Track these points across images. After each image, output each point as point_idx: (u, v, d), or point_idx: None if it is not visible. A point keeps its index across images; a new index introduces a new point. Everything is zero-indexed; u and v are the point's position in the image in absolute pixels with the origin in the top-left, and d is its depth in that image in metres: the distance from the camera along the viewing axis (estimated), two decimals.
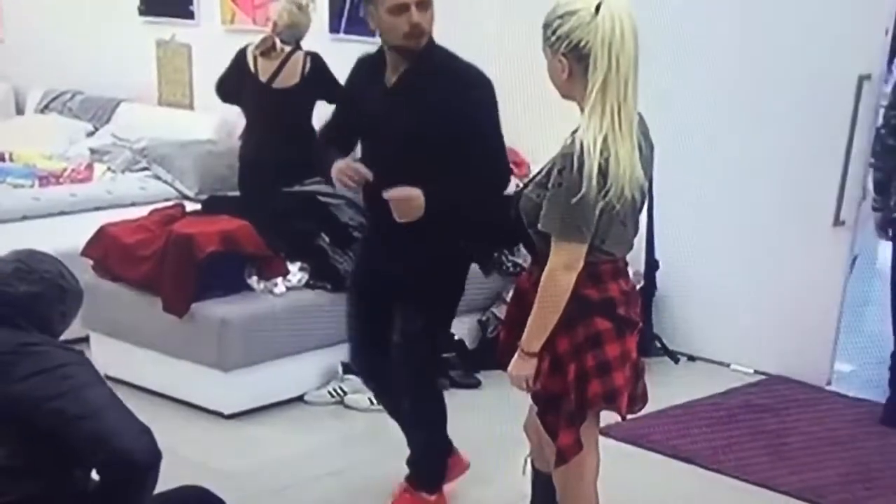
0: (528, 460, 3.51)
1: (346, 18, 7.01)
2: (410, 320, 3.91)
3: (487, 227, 3.74)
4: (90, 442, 2.61)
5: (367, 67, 3.91)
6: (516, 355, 3.14)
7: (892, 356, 5.13)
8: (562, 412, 3.12)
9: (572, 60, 2.96)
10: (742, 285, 5.83)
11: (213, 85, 6.25)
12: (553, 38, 2.98)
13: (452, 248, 3.85)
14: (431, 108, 3.68)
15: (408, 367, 3.98)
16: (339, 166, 3.76)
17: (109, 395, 2.72)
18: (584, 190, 2.89)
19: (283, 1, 6.22)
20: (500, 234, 3.74)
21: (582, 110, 3.01)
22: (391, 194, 3.62)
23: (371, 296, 4.03)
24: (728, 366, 5.91)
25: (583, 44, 2.93)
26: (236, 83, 6.12)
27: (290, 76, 5.96)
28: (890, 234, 5.10)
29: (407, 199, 3.62)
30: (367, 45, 4.11)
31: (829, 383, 5.68)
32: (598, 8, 2.91)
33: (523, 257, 5.78)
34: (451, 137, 3.65)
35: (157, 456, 2.68)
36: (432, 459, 4.19)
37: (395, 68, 3.75)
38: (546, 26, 3.01)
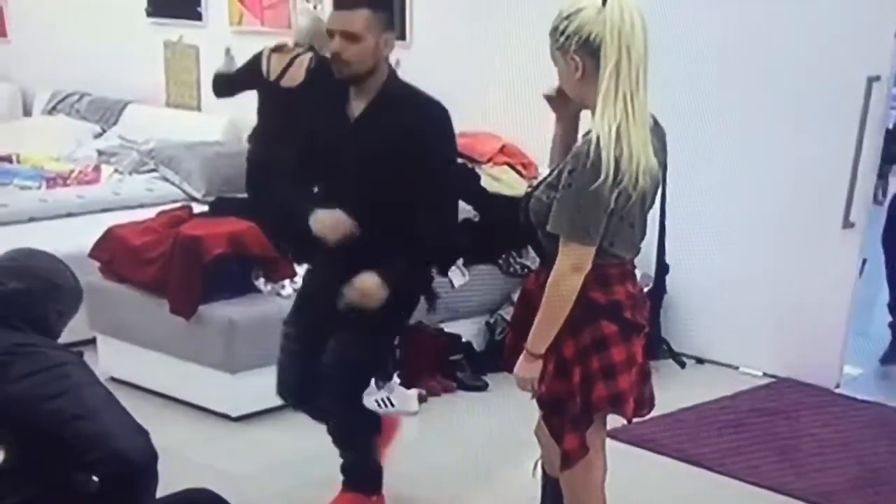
0: (539, 463, 3.49)
1: None
2: (349, 348, 3.83)
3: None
4: (86, 442, 2.60)
5: (328, 97, 3.89)
6: (522, 357, 3.13)
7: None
8: (567, 415, 3.11)
9: (584, 56, 2.96)
10: (751, 287, 5.82)
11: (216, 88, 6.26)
12: (562, 39, 2.98)
13: (406, 278, 3.83)
14: (397, 137, 3.66)
15: (339, 394, 3.92)
16: (326, 221, 3.73)
17: (106, 395, 2.71)
18: (601, 178, 2.88)
19: (304, 6, 6.25)
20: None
21: (593, 112, 3.00)
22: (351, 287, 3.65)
23: (315, 319, 3.94)
24: (737, 368, 5.90)
25: (593, 36, 2.92)
26: (244, 81, 6.11)
27: (296, 76, 5.95)
28: None
29: (362, 288, 3.64)
30: None
31: (837, 386, 5.66)
32: (604, 2, 2.92)
33: (531, 259, 5.78)
34: (407, 164, 3.64)
35: (152, 456, 2.67)
36: (366, 466, 4.14)
37: (357, 97, 3.73)
38: (554, 31, 3.01)
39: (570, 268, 3.00)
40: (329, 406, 3.98)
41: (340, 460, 4.10)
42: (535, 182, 3.36)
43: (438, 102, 3.77)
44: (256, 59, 6.10)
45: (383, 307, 3.75)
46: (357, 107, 3.74)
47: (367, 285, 3.65)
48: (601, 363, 3.07)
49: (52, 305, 2.88)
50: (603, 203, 2.93)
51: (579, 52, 2.96)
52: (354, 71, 3.65)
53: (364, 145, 3.69)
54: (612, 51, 2.91)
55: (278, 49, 6.02)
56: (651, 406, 3.35)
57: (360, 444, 4.09)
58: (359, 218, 3.70)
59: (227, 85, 6.20)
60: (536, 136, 6.01)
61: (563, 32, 2.98)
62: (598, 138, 2.91)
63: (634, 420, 3.26)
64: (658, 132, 3.10)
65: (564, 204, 2.97)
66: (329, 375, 3.87)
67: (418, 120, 3.70)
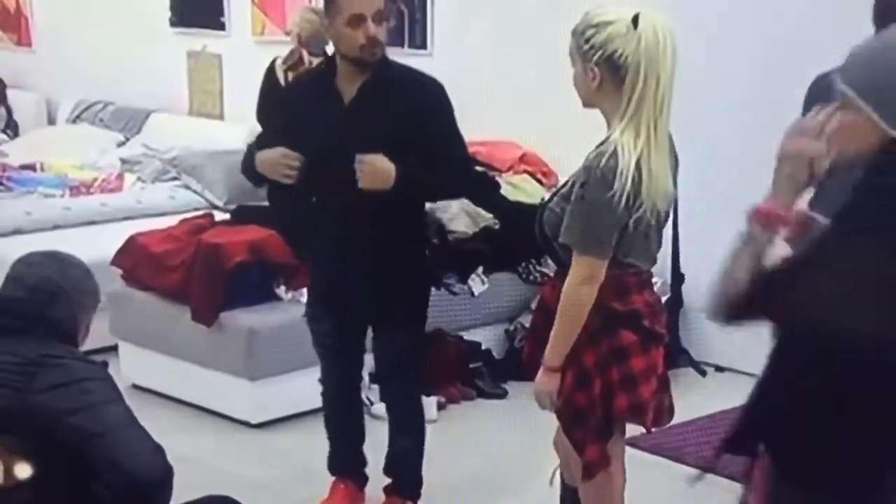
0: (557, 472, 3.49)
1: None
2: (407, 337, 4.02)
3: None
4: (101, 461, 2.62)
5: (307, 88, 3.96)
6: (541, 371, 3.13)
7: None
8: (588, 427, 3.11)
9: (605, 71, 2.96)
10: None
11: (255, 117, 6.25)
12: (586, 47, 2.97)
13: (422, 256, 4.06)
14: (398, 117, 3.71)
15: (411, 382, 4.15)
16: (271, 159, 3.78)
17: (125, 413, 2.71)
18: (613, 189, 2.88)
19: (301, 11, 6.24)
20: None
21: (607, 119, 3.01)
22: (361, 160, 3.64)
23: (347, 314, 4.04)
24: (756, 377, 5.87)
25: (618, 55, 2.92)
26: (270, 101, 6.11)
27: None
28: None
29: (373, 163, 3.65)
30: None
31: None
32: (635, 20, 2.90)
33: (551, 267, 5.77)
34: (418, 142, 3.71)
35: (166, 476, 2.68)
36: (418, 468, 4.23)
37: (351, 81, 3.77)
38: (578, 34, 3.00)
39: (583, 279, 3.00)
40: (400, 391, 4.16)
41: (392, 461, 4.20)
42: (549, 193, 3.38)
43: (430, 76, 3.84)
44: (271, 72, 6.10)
45: (412, 289, 3.94)
46: (347, 90, 3.77)
47: (378, 163, 3.65)
48: (621, 374, 3.07)
49: (77, 313, 2.88)
50: (615, 215, 2.93)
51: (601, 65, 2.96)
52: (384, 51, 3.73)
53: (364, 127, 3.72)
54: (640, 77, 2.91)
55: (293, 68, 6.02)
56: (670, 416, 3.35)
57: (420, 433, 4.19)
58: (361, 199, 3.72)
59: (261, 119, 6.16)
60: (556, 145, 6.05)
61: (587, 40, 2.96)
62: (613, 150, 2.91)
63: (653, 429, 3.27)
64: (670, 146, 3.10)
65: (576, 216, 2.97)
66: (394, 367, 4.05)
67: (422, 100, 3.77)
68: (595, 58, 2.96)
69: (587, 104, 3.08)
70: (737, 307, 2.15)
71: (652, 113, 2.93)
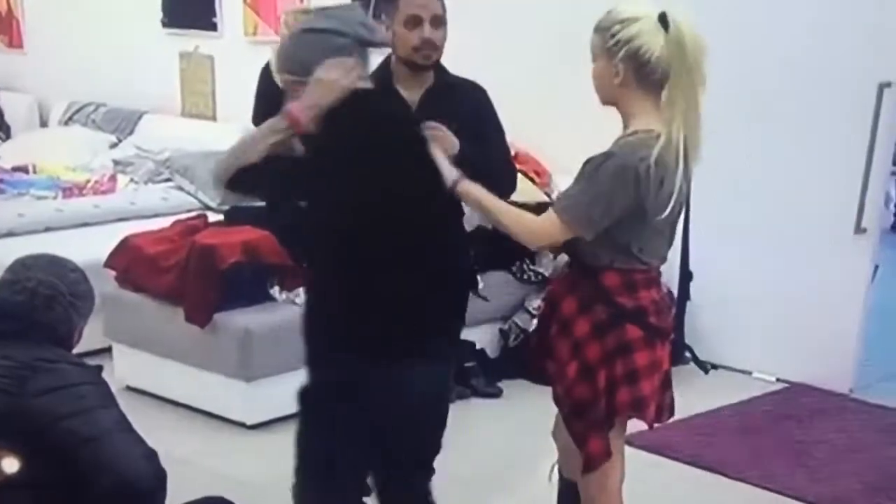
0: (555, 467, 3.50)
1: None
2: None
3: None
4: (94, 467, 2.60)
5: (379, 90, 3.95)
6: None
7: None
8: (590, 420, 3.13)
9: (629, 67, 2.95)
10: (764, 293, 5.81)
11: (251, 120, 6.23)
12: (611, 43, 2.95)
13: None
14: (462, 122, 3.67)
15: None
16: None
17: (118, 418, 2.71)
18: (631, 184, 2.91)
19: (293, 12, 6.21)
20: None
21: (626, 116, 3.02)
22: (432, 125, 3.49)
23: None
24: (750, 374, 5.90)
25: (643, 51, 2.92)
26: (268, 103, 6.06)
27: None
28: None
29: (441, 128, 3.50)
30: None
31: (851, 391, 5.66)
32: (662, 18, 2.92)
33: (545, 266, 5.79)
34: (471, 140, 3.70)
35: (158, 482, 2.67)
36: None
37: (410, 86, 3.75)
38: (603, 30, 2.98)
39: (541, 236, 3.04)
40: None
41: None
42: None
43: (477, 82, 3.89)
44: (267, 74, 6.06)
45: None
46: (410, 95, 3.74)
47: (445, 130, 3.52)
48: (625, 368, 3.09)
49: (73, 317, 2.89)
50: (617, 203, 2.94)
51: (626, 61, 2.96)
52: (438, 56, 3.70)
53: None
54: (671, 72, 2.94)
55: None
56: (671, 413, 3.36)
57: None
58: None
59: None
60: (550, 144, 6.06)
61: (613, 35, 2.95)
62: (641, 139, 2.92)
63: (654, 425, 3.28)
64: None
65: (578, 186, 2.98)
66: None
67: (479, 106, 3.81)
68: (621, 54, 2.95)
69: (607, 101, 3.06)
70: (240, 175, 2.89)
71: (682, 109, 2.95)
